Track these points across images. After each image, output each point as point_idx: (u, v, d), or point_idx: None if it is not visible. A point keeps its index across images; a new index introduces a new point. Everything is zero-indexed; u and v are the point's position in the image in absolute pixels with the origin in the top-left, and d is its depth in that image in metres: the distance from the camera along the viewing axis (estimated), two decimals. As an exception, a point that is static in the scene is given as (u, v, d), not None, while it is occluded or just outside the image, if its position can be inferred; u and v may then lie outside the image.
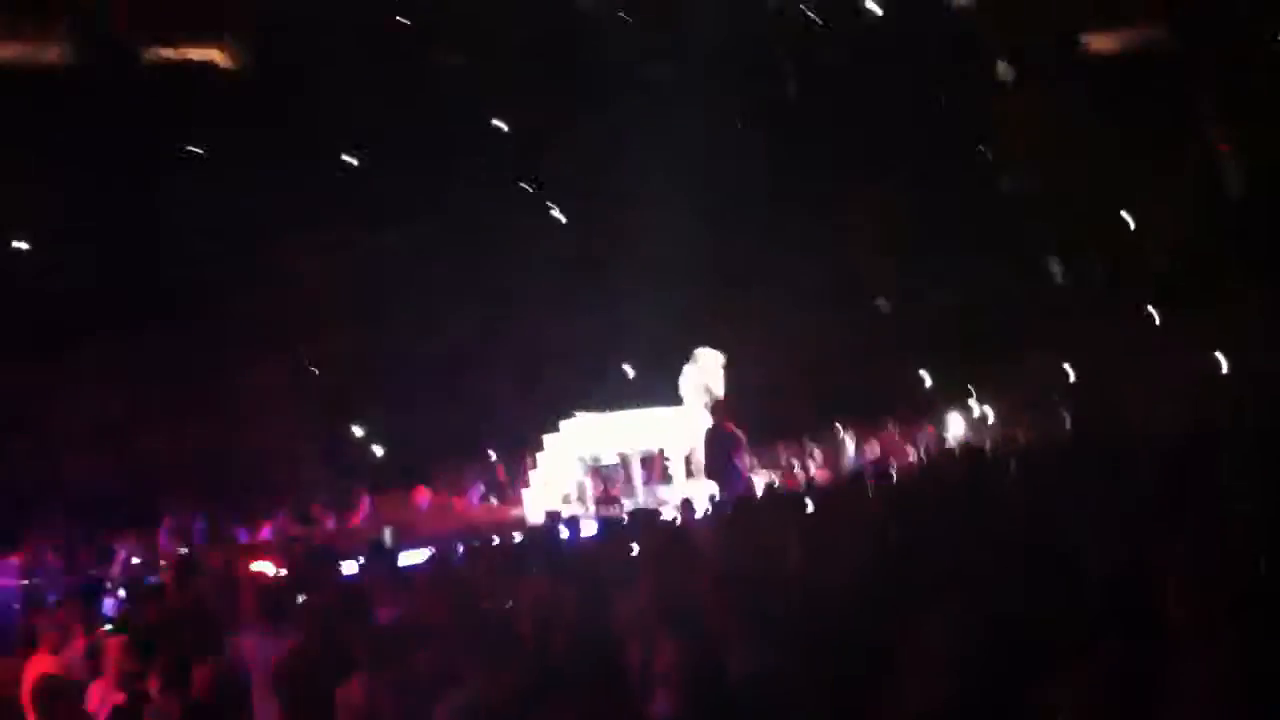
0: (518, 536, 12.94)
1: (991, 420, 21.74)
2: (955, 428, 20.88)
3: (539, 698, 5.79)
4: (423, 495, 17.32)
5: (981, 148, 25.72)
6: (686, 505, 12.63)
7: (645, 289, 21.46)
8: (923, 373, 23.22)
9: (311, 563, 11.18)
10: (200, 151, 20.30)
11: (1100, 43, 26.32)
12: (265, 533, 15.20)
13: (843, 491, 12.94)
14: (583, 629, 7.04)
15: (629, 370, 21.76)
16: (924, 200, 23.46)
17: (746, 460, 16.88)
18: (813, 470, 18.94)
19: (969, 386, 22.82)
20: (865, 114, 24.33)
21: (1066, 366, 23.42)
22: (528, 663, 6.47)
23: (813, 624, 6.05)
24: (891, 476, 13.87)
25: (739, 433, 16.50)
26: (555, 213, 23.54)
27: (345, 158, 21.91)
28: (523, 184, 23.09)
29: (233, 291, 19.17)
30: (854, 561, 7.33)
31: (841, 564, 7.33)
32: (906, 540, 7.93)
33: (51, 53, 20.42)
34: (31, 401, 16.87)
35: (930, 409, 21.88)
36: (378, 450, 19.79)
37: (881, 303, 24.58)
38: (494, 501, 18.09)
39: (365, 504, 16.77)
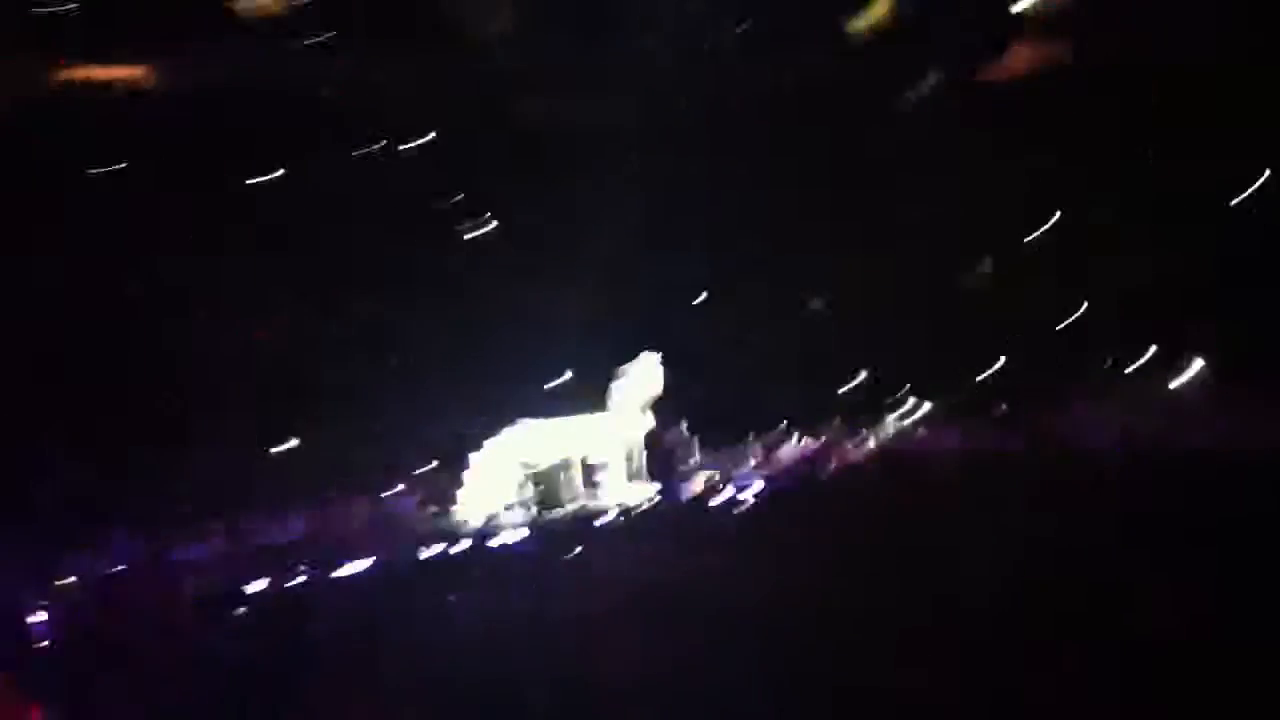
0: (458, 545, 12.90)
1: (927, 419, 21.88)
2: (889, 430, 20.95)
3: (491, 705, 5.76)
4: (361, 505, 17.18)
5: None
6: (628, 507, 12.62)
7: (582, 299, 21.43)
8: (863, 373, 23.29)
9: (249, 577, 11.06)
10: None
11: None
12: (200, 550, 14.91)
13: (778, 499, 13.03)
14: (528, 635, 7.01)
15: (566, 378, 21.69)
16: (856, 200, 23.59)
17: (686, 463, 16.93)
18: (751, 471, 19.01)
19: (907, 387, 22.92)
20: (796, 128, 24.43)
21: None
22: (476, 667, 6.44)
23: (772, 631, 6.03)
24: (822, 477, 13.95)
25: (680, 435, 16.58)
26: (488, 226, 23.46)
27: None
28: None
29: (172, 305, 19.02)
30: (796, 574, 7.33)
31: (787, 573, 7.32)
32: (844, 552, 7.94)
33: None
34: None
35: (871, 411, 21.93)
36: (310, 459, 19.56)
37: (818, 304, 24.67)
38: (432, 509, 17.95)
39: (304, 515, 16.60)
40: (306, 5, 23.17)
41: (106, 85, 21.45)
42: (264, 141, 22.08)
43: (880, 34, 26.00)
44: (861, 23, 26.36)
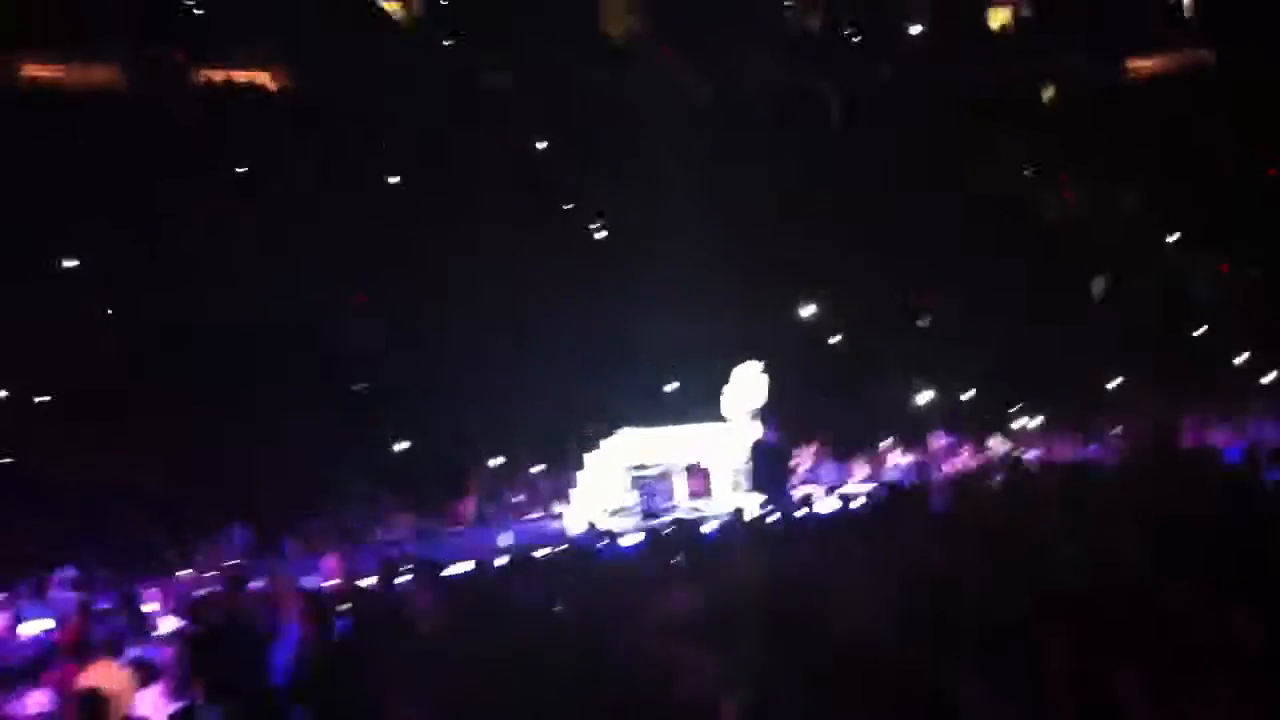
0: (564, 547, 12.97)
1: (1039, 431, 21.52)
2: (1000, 444, 20.59)
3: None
4: (468, 506, 17.41)
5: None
6: (734, 517, 12.57)
7: (687, 304, 21.53)
8: (972, 391, 23.02)
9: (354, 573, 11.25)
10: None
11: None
12: (330, 563, 14.39)
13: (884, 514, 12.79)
14: (618, 648, 6.96)
15: (673, 386, 21.80)
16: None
17: (792, 472, 16.86)
18: (856, 480, 18.87)
19: (1017, 403, 22.58)
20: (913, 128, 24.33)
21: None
22: (566, 678, 6.44)
23: (855, 666, 5.84)
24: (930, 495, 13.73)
25: (787, 443, 16.52)
26: (599, 234, 23.72)
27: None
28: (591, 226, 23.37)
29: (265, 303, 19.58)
30: (895, 597, 7.08)
31: (883, 599, 7.07)
32: (949, 577, 7.69)
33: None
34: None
35: (977, 424, 21.63)
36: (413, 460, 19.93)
37: (928, 315, 24.54)
38: (539, 512, 18.13)
39: (408, 515, 16.85)
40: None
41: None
42: (388, 139, 22.60)
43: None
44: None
